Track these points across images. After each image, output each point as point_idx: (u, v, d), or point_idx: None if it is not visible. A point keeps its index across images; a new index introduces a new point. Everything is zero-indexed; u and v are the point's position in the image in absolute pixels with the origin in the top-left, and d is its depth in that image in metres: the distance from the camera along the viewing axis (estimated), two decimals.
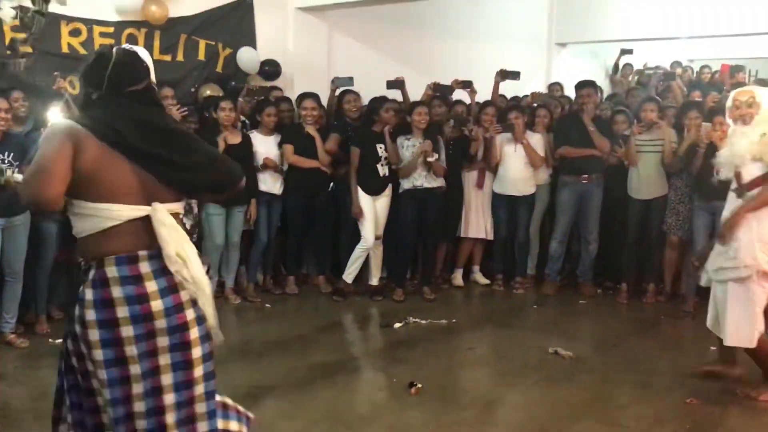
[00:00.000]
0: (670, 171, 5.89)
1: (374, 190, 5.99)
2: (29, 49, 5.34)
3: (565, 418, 3.81)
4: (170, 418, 2.30)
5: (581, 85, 6.37)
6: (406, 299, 6.09)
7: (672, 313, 5.85)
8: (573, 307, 6.11)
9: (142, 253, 2.28)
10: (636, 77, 9.10)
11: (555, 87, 7.99)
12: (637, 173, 6.01)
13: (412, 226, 6.01)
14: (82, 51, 5.76)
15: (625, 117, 6.23)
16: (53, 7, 5.28)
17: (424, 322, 5.49)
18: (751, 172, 3.84)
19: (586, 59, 10.39)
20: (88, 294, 2.26)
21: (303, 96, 6.21)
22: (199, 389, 2.34)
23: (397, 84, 6.62)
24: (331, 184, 6.22)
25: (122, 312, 2.24)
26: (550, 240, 6.44)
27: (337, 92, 6.55)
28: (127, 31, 6.11)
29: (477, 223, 6.48)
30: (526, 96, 7.48)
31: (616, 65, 9.42)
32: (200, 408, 2.35)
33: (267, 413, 3.68)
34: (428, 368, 4.52)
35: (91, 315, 2.25)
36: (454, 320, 5.57)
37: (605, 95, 7.95)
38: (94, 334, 2.24)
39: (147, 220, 2.28)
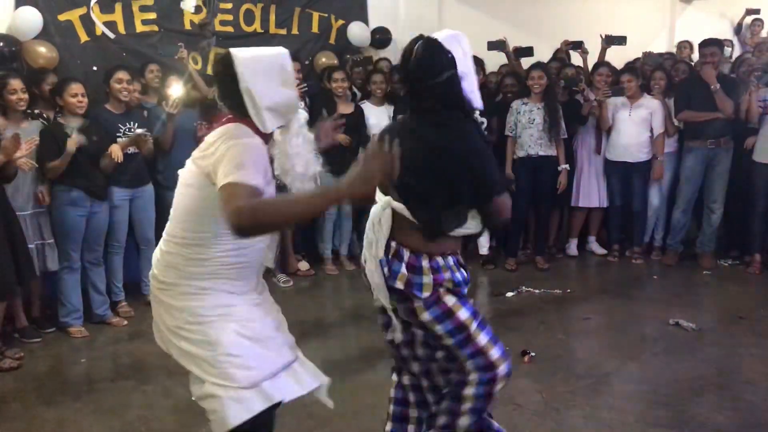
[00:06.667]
0: None
1: None
2: (215, 26, 5.98)
3: (686, 392, 3.68)
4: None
5: (705, 44, 6.01)
6: (519, 268, 6.03)
7: None
8: (696, 278, 5.85)
9: None
10: None
11: (684, 45, 7.53)
12: (762, 135, 5.65)
13: (524, 195, 5.91)
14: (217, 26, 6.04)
15: None
16: None
17: (537, 291, 5.43)
18: None
19: (713, 18, 9.72)
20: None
21: None
22: None
23: (498, 45, 6.47)
24: None
25: None
26: (673, 209, 6.17)
27: None
28: (245, 6, 6.31)
29: (588, 191, 6.29)
30: (638, 59, 7.09)
31: (739, 25, 8.81)
32: None
33: (380, 375, 3.78)
34: (541, 337, 4.48)
35: None
36: (568, 290, 5.47)
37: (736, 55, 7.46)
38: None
39: None
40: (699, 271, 5.97)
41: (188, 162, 2.23)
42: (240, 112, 2.19)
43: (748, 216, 5.93)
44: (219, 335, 2.13)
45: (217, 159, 2.05)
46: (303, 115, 2.28)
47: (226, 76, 2.19)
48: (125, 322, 4.82)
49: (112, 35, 5.57)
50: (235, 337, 2.14)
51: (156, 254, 2.31)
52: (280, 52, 2.25)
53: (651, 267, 6.17)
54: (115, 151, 4.58)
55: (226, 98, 2.23)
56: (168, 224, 2.28)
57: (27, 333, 4.53)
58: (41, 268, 4.56)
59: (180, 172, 2.27)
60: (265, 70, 2.18)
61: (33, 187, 4.52)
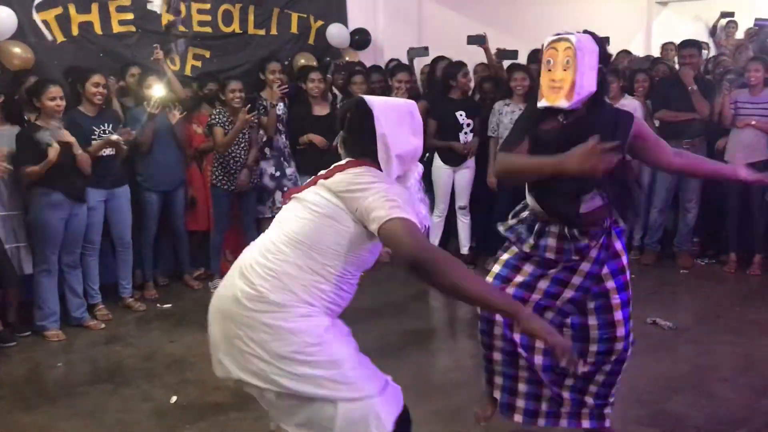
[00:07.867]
0: None
1: (456, 161, 5.94)
2: (183, 29, 5.80)
3: (663, 390, 3.72)
4: None
5: (683, 45, 6.08)
6: None
7: None
8: (673, 277, 5.90)
9: None
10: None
11: (669, 46, 7.60)
12: (733, 135, 5.71)
13: (505, 195, 5.91)
14: (181, 28, 5.97)
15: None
16: None
17: None
18: None
19: (688, 20, 9.85)
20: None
21: (395, 68, 6.22)
22: None
23: (478, 40, 6.45)
24: (426, 155, 6.19)
25: None
26: (650, 209, 6.22)
27: (415, 62, 6.55)
28: (223, 7, 6.28)
29: None
30: (622, 55, 7.14)
31: (714, 27, 8.93)
32: None
33: None
34: None
35: None
36: None
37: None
38: None
39: None
40: (676, 271, 6.02)
41: (320, 191, 2.09)
42: (367, 158, 2.13)
43: (722, 215, 6.00)
44: (341, 352, 2.09)
45: (372, 197, 1.99)
46: (420, 167, 2.26)
47: (361, 121, 2.14)
48: (102, 325, 4.78)
49: (50, 37, 5.42)
50: (354, 352, 2.15)
51: (257, 270, 2.07)
52: (409, 102, 2.26)
53: (629, 266, 6.20)
54: (93, 147, 4.61)
55: (356, 144, 2.18)
56: (282, 245, 2.08)
57: (3, 336, 4.46)
58: (17, 271, 4.50)
59: (304, 196, 2.12)
60: (398, 117, 2.16)
61: (7, 191, 4.46)
